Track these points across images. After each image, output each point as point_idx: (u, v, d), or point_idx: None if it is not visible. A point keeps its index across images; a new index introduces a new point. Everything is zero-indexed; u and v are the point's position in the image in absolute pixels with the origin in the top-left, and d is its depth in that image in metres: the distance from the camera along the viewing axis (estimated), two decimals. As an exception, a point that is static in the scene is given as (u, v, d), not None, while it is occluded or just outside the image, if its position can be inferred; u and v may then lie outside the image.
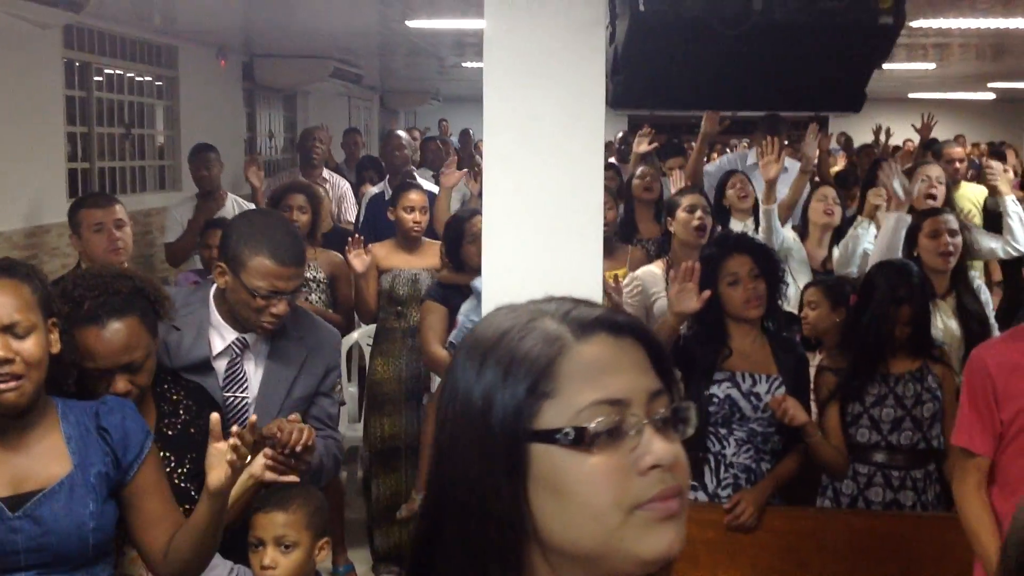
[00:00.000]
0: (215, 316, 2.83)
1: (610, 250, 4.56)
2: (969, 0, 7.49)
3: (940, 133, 16.09)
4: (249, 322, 2.79)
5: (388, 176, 7.14)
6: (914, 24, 8.62)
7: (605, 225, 4.61)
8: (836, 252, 5.06)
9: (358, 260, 4.73)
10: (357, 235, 4.96)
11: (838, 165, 11.67)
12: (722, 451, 3.36)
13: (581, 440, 0.98)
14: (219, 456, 2.16)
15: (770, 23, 2.87)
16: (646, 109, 4.61)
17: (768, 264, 3.43)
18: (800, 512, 3.43)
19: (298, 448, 2.46)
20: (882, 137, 12.17)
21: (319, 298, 4.91)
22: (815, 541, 3.31)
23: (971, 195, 7.20)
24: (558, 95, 2.97)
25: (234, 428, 2.22)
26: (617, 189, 5.94)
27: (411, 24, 7.96)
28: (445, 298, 4.44)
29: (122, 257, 4.03)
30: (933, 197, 5.14)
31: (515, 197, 2.98)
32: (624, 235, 5.44)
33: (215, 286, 2.84)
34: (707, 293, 3.31)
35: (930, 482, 3.40)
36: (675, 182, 5.54)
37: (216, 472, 2.17)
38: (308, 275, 4.78)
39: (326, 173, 7.41)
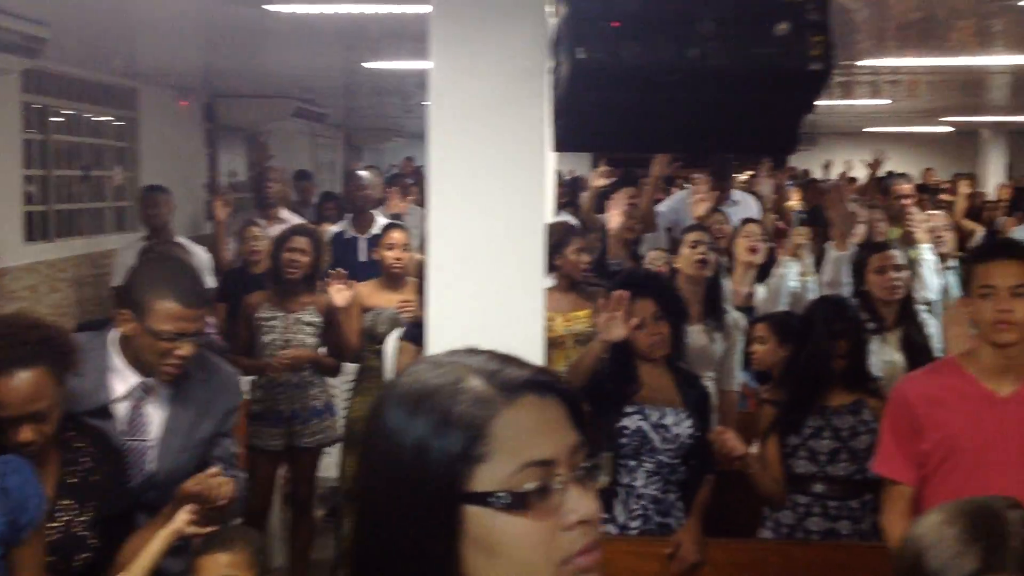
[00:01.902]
0: (117, 360, 2.84)
1: (587, 293, 4.67)
2: (916, 40, 7.70)
3: (897, 166, 16.41)
4: (154, 367, 2.81)
5: (352, 215, 7.19)
6: (867, 63, 8.84)
7: (582, 268, 4.75)
8: (760, 290, 5.18)
9: (339, 295, 4.77)
10: (337, 270, 4.98)
11: (794, 200, 11.86)
12: (632, 483, 3.47)
13: (514, 503, 1.03)
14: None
15: (705, 69, 2.98)
16: (588, 152, 4.73)
17: (671, 305, 3.57)
18: (740, 544, 3.51)
19: (221, 502, 2.52)
20: (832, 172, 12.41)
21: (315, 341, 4.89)
22: (755, 572, 3.40)
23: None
24: (501, 140, 3.05)
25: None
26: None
27: (367, 65, 8.07)
28: (418, 338, 4.49)
29: None
30: (878, 233, 5.29)
31: (459, 239, 3.05)
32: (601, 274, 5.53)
33: (116, 330, 2.85)
34: (635, 321, 3.45)
35: (867, 512, 3.50)
36: (614, 216, 5.65)
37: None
38: (304, 318, 4.82)
39: (284, 212, 7.47)
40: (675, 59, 2.94)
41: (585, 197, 7.52)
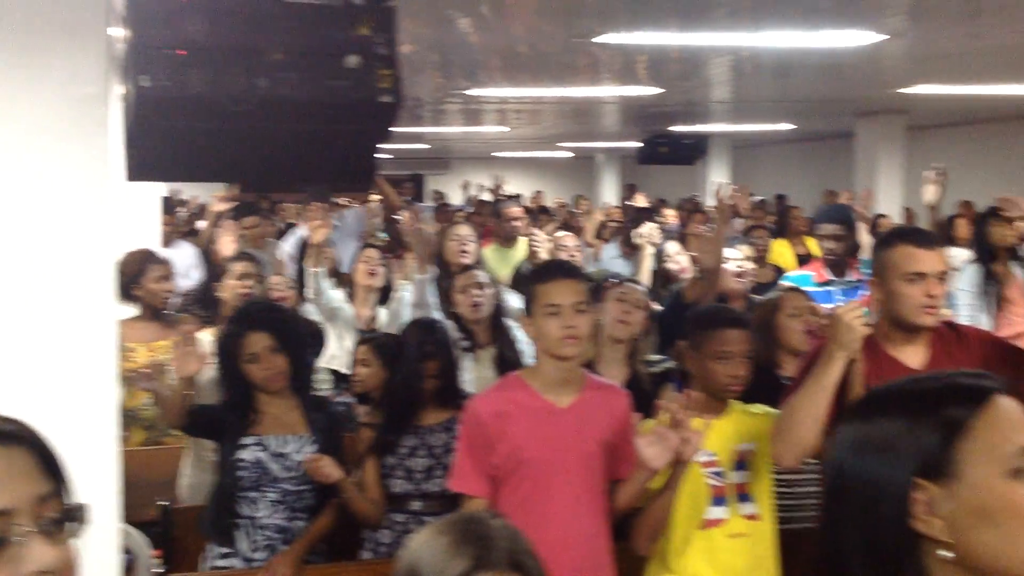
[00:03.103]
0: None
1: (170, 322, 4.54)
2: (532, 69, 8.16)
3: (523, 189, 17.27)
4: None
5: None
6: (482, 92, 9.27)
7: (164, 296, 4.61)
8: (383, 313, 5.31)
9: None
10: None
11: (428, 224, 12.18)
12: (253, 514, 3.44)
13: None
14: None
15: (275, 99, 2.99)
16: (162, 181, 4.62)
17: (288, 337, 3.57)
18: (337, 567, 3.54)
19: None
20: (471, 191, 12.91)
21: None
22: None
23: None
24: (63, 169, 2.92)
25: None
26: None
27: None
28: None
29: None
30: (465, 253, 5.55)
31: (20, 272, 2.88)
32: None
33: None
34: (204, 354, 3.45)
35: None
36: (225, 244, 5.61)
37: None
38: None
39: None
40: (244, 88, 2.93)
41: (205, 225, 7.35)
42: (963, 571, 1.26)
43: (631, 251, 7.78)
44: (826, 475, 1.37)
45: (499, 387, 3.06)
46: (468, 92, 9.30)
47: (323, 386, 5.08)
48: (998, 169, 13.17)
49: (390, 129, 3.24)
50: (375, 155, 3.30)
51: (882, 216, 9.99)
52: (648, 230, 6.39)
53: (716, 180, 5.51)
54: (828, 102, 10.82)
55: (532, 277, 3.04)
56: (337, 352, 4.97)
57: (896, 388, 1.36)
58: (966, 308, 5.99)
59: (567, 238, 6.62)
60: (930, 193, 6.81)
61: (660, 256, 6.26)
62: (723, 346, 3.13)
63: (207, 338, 4.33)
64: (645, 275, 6.08)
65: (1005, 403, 1.30)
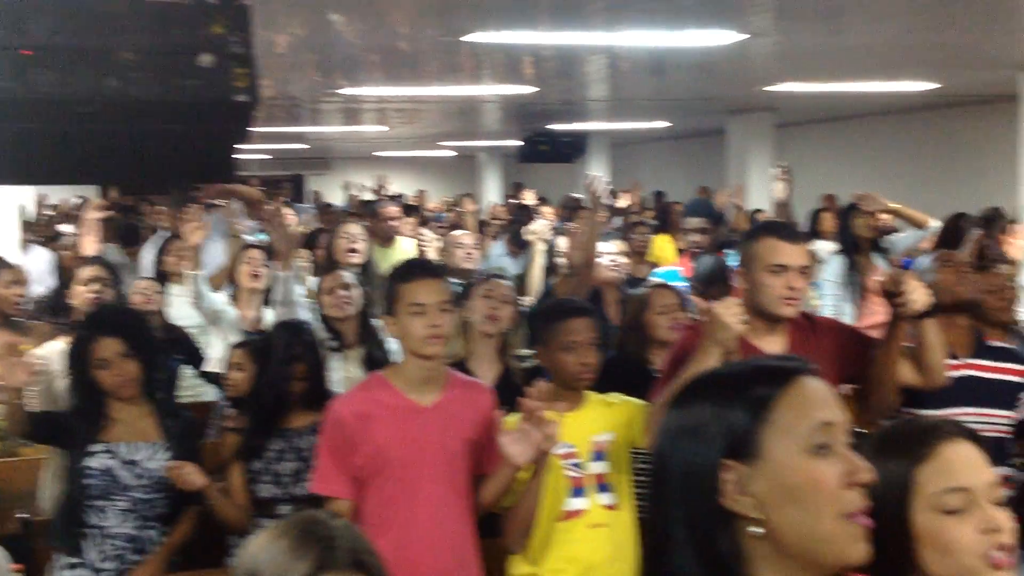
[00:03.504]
0: None
1: (22, 328, 4.40)
2: (408, 68, 8.13)
3: (407, 189, 17.21)
4: None
5: None
6: (359, 91, 9.21)
7: (14, 302, 4.46)
8: (269, 314, 5.23)
9: None
10: None
11: (309, 225, 12.04)
12: (102, 523, 3.37)
13: None
14: None
15: (127, 100, 2.94)
16: (14, 184, 4.48)
17: (139, 342, 3.50)
18: (202, 575, 3.48)
19: None
20: (355, 192, 12.81)
21: None
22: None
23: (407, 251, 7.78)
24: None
25: None
26: None
27: None
28: None
29: None
30: (355, 252, 5.51)
31: None
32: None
33: None
34: (31, 364, 3.36)
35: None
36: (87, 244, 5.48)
37: None
38: None
39: None
40: (93, 89, 2.87)
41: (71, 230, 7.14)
42: (775, 547, 1.30)
43: (518, 249, 7.83)
44: (652, 462, 1.41)
45: (361, 387, 3.05)
46: (345, 91, 9.23)
47: (207, 392, 5.00)
48: (862, 163, 13.64)
49: (248, 128, 3.21)
50: (233, 155, 3.27)
51: (759, 211, 10.26)
52: (539, 226, 6.45)
53: (589, 174, 5.56)
54: (701, 100, 11.05)
55: (395, 277, 3.02)
56: (224, 356, 4.88)
57: (709, 375, 1.40)
58: (831, 298, 6.19)
59: (464, 236, 6.61)
60: (779, 190, 7.01)
61: (552, 252, 6.32)
62: (569, 336, 3.16)
63: (59, 346, 4.21)
64: (537, 272, 6.13)
65: (809, 382, 1.34)
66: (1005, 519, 1.57)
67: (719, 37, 6.47)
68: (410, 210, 9.81)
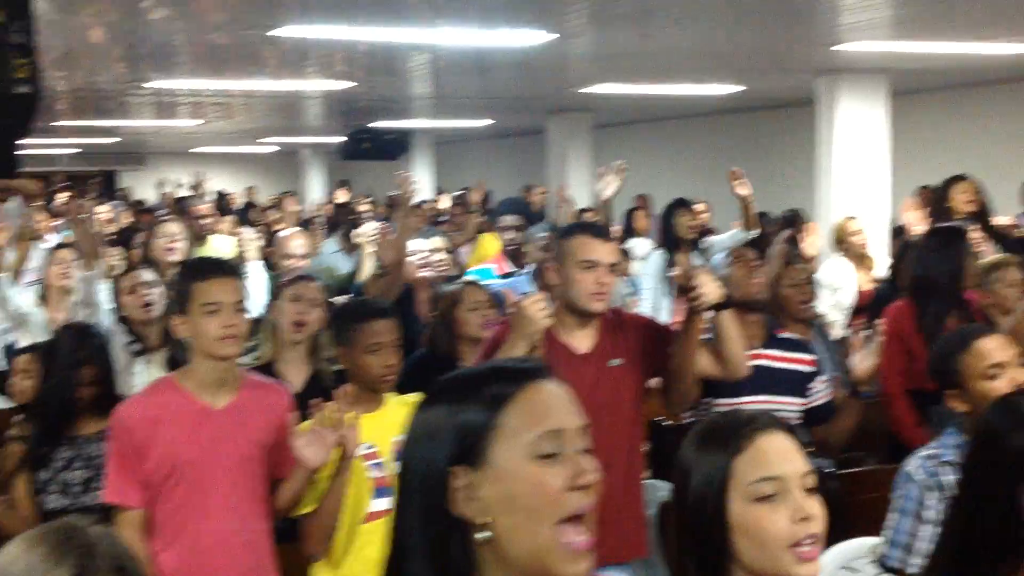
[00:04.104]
0: None
1: None
2: (218, 61, 7.91)
3: (228, 185, 16.80)
4: None
5: None
6: (168, 84, 8.92)
7: None
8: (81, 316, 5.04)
9: None
10: None
11: (120, 221, 11.59)
12: None
13: None
14: None
15: None
16: None
17: None
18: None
19: None
20: (168, 190, 12.40)
21: None
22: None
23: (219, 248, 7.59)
24: None
25: None
26: None
27: None
28: None
29: None
30: (172, 251, 5.35)
31: None
32: None
33: None
34: None
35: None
36: None
37: None
38: None
39: None
40: None
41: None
42: (500, 555, 1.29)
43: (352, 247, 7.75)
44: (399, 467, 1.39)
45: (149, 391, 2.95)
46: (154, 84, 8.93)
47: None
48: (674, 164, 14.10)
49: (31, 122, 3.06)
50: (15, 150, 3.10)
51: (587, 210, 10.43)
52: (367, 229, 6.41)
53: (399, 173, 5.55)
54: (521, 99, 11.17)
55: (187, 275, 2.92)
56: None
57: (450, 376, 1.39)
58: (649, 293, 6.35)
59: (296, 235, 6.45)
60: (611, 188, 7.14)
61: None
62: (372, 338, 3.12)
63: None
64: (366, 273, 6.07)
65: (545, 387, 1.32)
66: (815, 508, 1.60)
67: (531, 37, 6.55)
68: (251, 207, 9.56)
